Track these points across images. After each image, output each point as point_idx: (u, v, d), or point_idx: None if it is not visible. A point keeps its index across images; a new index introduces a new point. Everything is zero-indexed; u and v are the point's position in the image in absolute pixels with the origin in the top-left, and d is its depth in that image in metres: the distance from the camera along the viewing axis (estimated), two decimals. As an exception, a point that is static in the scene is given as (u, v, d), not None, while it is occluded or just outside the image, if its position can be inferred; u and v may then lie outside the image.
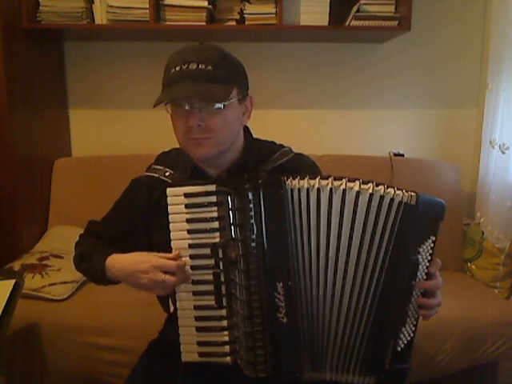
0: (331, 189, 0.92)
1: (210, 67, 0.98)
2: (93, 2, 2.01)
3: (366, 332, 0.96)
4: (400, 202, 0.92)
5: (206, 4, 1.96)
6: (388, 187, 0.93)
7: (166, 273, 0.96)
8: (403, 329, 0.96)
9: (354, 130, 2.45)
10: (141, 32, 2.09)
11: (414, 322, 0.98)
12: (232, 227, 0.94)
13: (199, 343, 0.98)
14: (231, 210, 0.94)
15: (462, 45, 2.37)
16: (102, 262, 1.07)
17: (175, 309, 1.00)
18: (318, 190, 0.92)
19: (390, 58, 2.37)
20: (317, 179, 0.92)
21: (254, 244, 0.91)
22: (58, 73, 2.31)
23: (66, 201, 2.19)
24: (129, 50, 2.34)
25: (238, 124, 1.08)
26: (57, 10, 1.98)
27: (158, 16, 1.99)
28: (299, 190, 0.92)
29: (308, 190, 0.92)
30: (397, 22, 2.01)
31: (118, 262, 1.05)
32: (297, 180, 0.92)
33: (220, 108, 1.00)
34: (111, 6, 1.98)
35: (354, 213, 0.92)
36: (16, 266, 1.80)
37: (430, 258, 0.96)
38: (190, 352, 0.98)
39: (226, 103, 1.00)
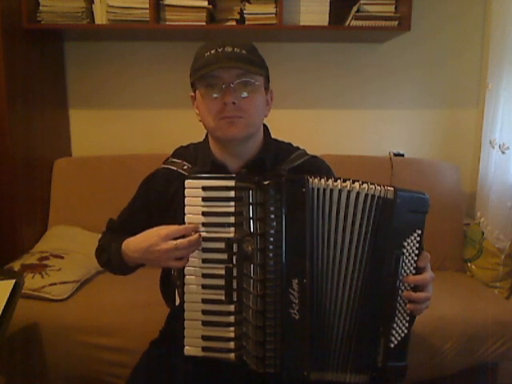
0: (349, 190, 0.94)
1: (244, 51, 1.04)
2: (93, 2, 2.02)
3: (358, 329, 0.96)
4: (373, 196, 0.94)
5: (205, 4, 1.96)
6: (363, 183, 0.94)
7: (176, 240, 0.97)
8: (394, 325, 0.95)
9: (354, 130, 2.45)
10: (141, 32, 2.09)
11: (407, 318, 0.97)
12: (251, 221, 0.94)
13: (204, 337, 0.98)
14: (252, 204, 0.94)
15: (462, 45, 2.37)
16: (119, 249, 1.09)
17: (182, 301, 1.00)
18: (340, 190, 0.94)
19: (390, 58, 2.37)
20: (339, 181, 0.94)
21: (272, 239, 0.92)
22: (58, 73, 2.31)
23: (66, 201, 2.19)
24: (129, 50, 2.34)
25: (263, 112, 1.11)
26: (57, 10, 1.98)
27: (158, 16, 1.99)
28: (319, 189, 0.94)
29: (332, 190, 0.94)
30: (397, 22, 2.01)
31: (132, 243, 1.06)
32: (318, 180, 0.94)
33: (253, 89, 1.04)
34: (111, 6, 1.98)
35: (346, 211, 0.95)
36: (16, 266, 1.80)
37: (417, 251, 0.96)
38: (193, 346, 0.98)
39: (258, 83, 1.05)
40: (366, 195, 0.94)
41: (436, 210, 2.17)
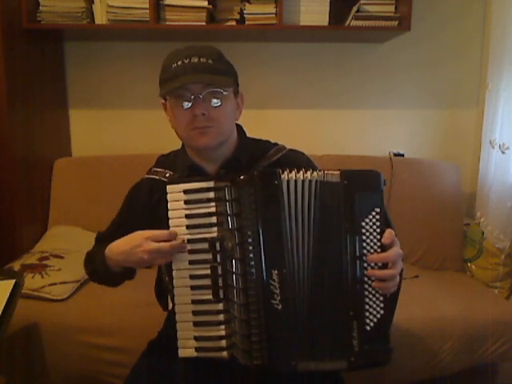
0: (302, 180, 0.95)
1: (210, 61, 1.04)
2: (93, 2, 2.02)
3: (333, 315, 0.95)
4: (316, 182, 0.95)
5: (205, 4, 1.96)
6: (320, 171, 0.96)
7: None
8: (367, 307, 0.94)
9: (354, 130, 2.45)
10: (141, 32, 2.10)
11: (381, 299, 0.95)
12: (229, 218, 0.96)
13: (196, 338, 0.99)
14: (228, 201, 0.97)
15: (462, 45, 2.37)
16: (102, 256, 1.11)
17: (173, 305, 1.01)
18: (310, 181, 0.95)
19: (390, 58, 2.38)
20: (309, 172, 0.96)
21: (249, 232, 0.94)
22: (58, 73, 2.31)
23: (66, 201, 2.19)
24: (129, 50, 2.34)
25: (233, 117, 1.13)
26: (57, 10, 1.98)
27: (158, 16, 1.99)
28: (295, 181, 0.95)
29: (303, 181, 0.95)
30: (397, 22, 2.01)
31: (115, 247, 1.08)
32: (291, 172, 0.96)
33: (222, 97, 1.05)
34: (111, 6, 1.98)
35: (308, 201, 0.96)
36: (16, 266, 1.80)
37: (379, 230, 0.95)
38: (186, 347, 0.99)
39: (226, 93, 1.05)
40: (312, 181, 0.95)
41: (436, 209, 2.18)
